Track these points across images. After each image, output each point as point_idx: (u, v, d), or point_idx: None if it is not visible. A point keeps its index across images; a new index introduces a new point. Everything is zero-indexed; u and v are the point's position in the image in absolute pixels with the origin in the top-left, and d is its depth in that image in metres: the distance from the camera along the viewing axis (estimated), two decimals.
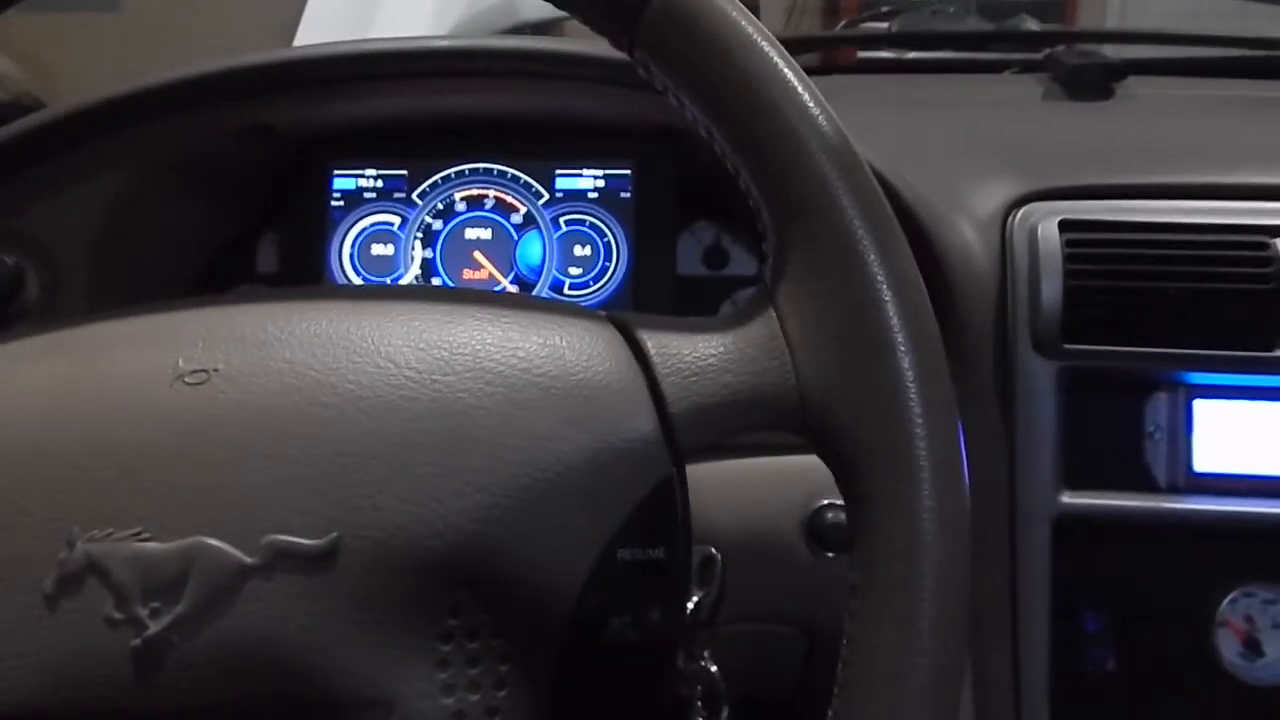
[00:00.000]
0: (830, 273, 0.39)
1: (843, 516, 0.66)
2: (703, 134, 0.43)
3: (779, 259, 0.41)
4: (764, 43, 0.41)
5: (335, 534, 0.37)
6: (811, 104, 0.40)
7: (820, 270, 0.40)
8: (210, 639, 0.36)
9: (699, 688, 0.62)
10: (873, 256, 0.39)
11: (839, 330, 0.39)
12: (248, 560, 0.36)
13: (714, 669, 0.62)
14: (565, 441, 0.39)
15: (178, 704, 0.36)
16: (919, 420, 0.38)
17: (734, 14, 0.41)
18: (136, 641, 0.36)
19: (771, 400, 0.40)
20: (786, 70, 0.41)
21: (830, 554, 0.66)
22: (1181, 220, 0.67)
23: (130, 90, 0.70)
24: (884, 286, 0.39)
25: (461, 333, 0.41)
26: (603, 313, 0.44)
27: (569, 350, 0.41)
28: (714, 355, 0.41)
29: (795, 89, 0.40)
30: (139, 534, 0.37)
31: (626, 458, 0.40)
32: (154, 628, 0.36)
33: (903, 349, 0.38)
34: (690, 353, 0.41)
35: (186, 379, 0.40)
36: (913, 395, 0.38)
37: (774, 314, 0.41)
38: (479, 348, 0.41)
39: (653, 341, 0.42)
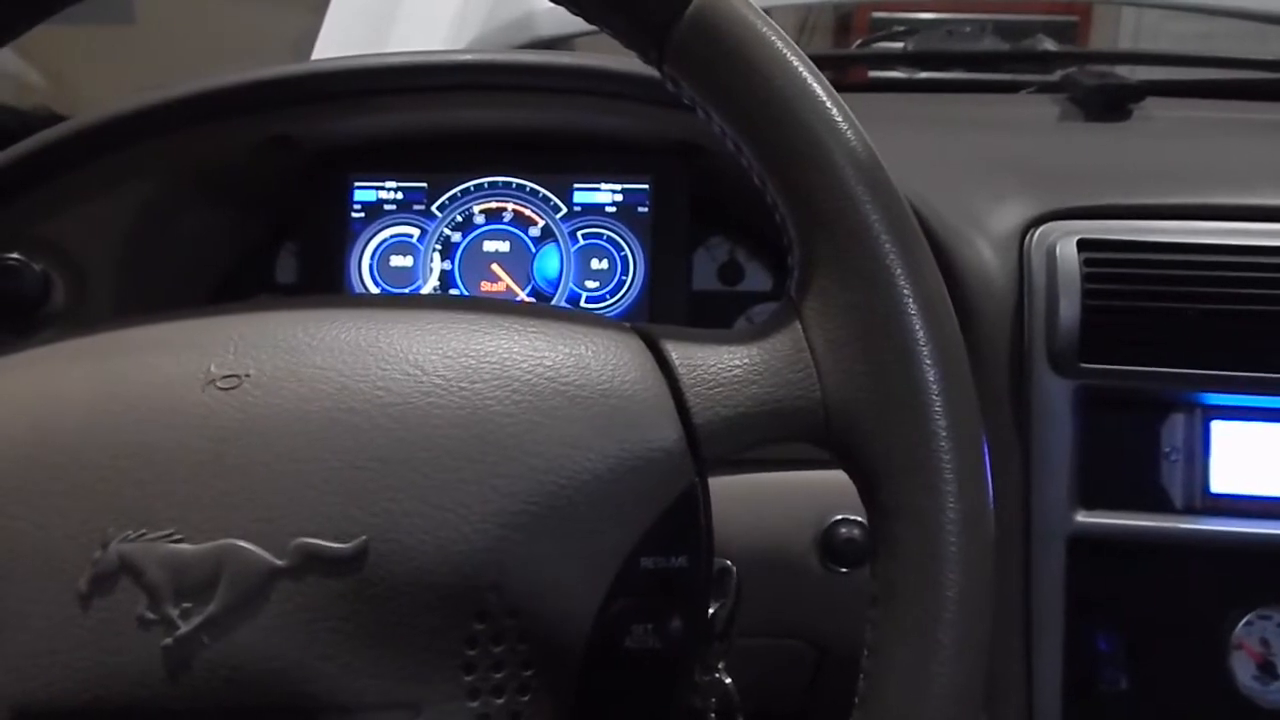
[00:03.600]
0: (856, 285, 0.40)
1: (856, 532, 0.67)
2: (730, 147, 0.43)
3: (804, 271, 0.41)
4: (793, 58, 0.41)
5: (363, 538, 0.37)
6: (839, 118, 0.41)
7: (846, 282, 0.40)
8: (240, 639, 0.36)
9: (713, 700, 0.62)
10: (899, 269, 0.39)
11: (864, 342, 0.39)
12: (278, 563, 0.37)
13: (728, 681, 0.62)
14: (590, 450, 0.39)
15: (207, 703, 0.36)
16: (944, 432, 0.38)
17: (764, 29, 0.41)
18: (168, 641, 0.36)
19: (796, 412, 0.40)
20: (815, 85, 0.41)
21: (843, 569, 0.67)
22: (1201, 241, 0.67)
23: (155, 102, 0.70)
24: (909, 299, 0.39)
25: (489, 341, 0.42)
26: (628, 324, 0.45)
27: (595, 360, 0.42)
28: (739, 366, 0.41)
29: (824, 103, 0.41)
30: (171, 535, 0.37)
31: (651, 467, 0.40)
32: (185, 627, 0.36)
33: (928, 361, 0.39)
34: (715, 364, 0.41)
35: (218, 383, 0.40)
36: (938, 407, 0.38)
37: (799, 326, 0.41)
38: (506, 356, 0.41)
39: (678, 352, 0.42)
